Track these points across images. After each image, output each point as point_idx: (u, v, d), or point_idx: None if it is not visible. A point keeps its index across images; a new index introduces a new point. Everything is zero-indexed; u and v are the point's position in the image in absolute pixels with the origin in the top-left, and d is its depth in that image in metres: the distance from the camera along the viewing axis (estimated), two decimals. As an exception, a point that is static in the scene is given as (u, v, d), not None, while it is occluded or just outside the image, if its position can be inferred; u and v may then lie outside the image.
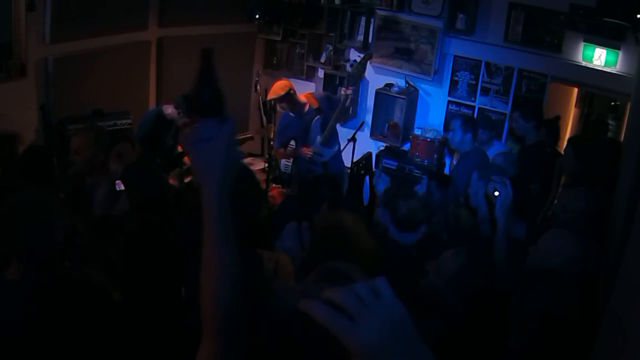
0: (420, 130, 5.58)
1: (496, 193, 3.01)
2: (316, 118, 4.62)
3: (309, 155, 4.64)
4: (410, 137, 5.57)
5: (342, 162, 4.95)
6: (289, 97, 4.50)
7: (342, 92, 4.53)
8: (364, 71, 4.90)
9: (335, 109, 4.51)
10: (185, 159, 4.51)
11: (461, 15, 5.29)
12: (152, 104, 5.28)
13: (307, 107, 4.64)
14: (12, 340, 1.80)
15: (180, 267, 2.07)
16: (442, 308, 2.02)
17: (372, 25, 5.65)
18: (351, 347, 0.70)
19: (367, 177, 5.37)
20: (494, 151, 4.48)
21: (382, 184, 3.31)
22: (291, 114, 4.65)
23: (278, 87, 4.52)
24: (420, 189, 3.47)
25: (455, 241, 2.49)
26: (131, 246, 2.01)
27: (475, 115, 5.37)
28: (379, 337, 0.70)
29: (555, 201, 3.56)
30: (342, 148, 4.88)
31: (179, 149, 4.67)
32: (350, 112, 4.66)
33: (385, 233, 2.91)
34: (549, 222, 2.89)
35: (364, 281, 0.75)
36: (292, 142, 4.75)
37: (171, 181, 3.66)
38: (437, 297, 2.08)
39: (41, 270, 1.91)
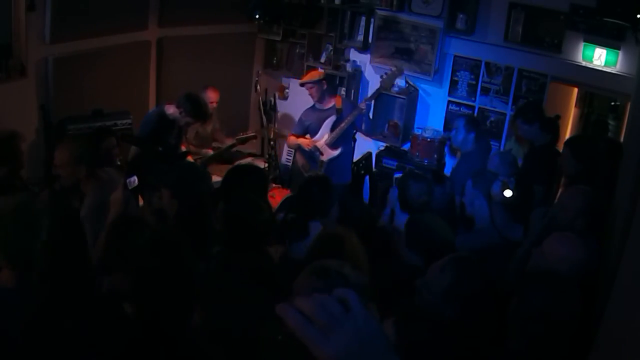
0: (420, 130, 5.58)
1: (507, 193, 3.00)
2: (332, 117, 4.75)
3: (308, 148, 4.73)
4: (410, 137, 5.57)
5: (346, 169, 4.96)
6: (321, 85, 4.79)
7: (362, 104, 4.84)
8: (390, 86, 5.12)
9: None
10: (189, 157, 4.53)
11: (461, 15, 5.29)
12: (152, 104, 5.28)
13: (331, 104, 4.83)
14: (7, 349, 1.78)
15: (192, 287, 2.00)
16: (441, 322, 2.01)
17: (372, 25, 5.65)
18: (320, 356, 0.73)
19: (367, 177, 5.37)
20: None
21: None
22: (316, 105, 4.83)
23: (314, 73, 4.86)
24: None
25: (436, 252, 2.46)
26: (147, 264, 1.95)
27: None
28: (347, 351, 0.73)
29: (556, 201, 3.56)
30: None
31: (183, 148, 4.69)
32: (364, 127, 4.79)
33: (390, 244, 2.94)
34: (548, 221, 2.88)
35: (333, 295, 0.78)
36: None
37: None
38: (434, 312, 2.07)
39: (33, 278, 1.89)
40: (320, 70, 5.14)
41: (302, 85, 4.90)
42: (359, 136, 5.33)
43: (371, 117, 5.13)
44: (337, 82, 5.98)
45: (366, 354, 0.75)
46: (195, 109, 4.27)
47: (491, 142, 4.88)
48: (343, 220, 2.87)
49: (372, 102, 4.93)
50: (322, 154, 4.75)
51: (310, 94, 4.80)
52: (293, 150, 5.01)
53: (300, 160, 4.91)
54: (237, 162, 4.93)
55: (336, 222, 2.91)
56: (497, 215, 3.20)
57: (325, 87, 4.81)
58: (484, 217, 3.16)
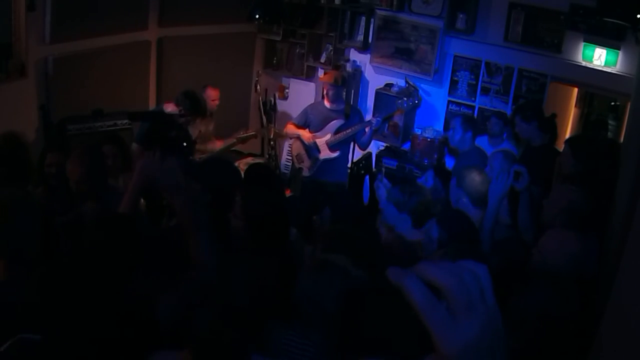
0: (420, 130, 5.58)
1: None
2: (338, 119, 4.77)
3: (308, 141, 4.76)
4: (411, 137, 5.58)
5: (340, 170, 4.93)
6: (341, 90, 4.87)
7: (372, 118, 4.88)
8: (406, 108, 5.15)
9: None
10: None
11: (461, 15, 5.29)
12: (152, 104, 5.29)
13: (340, 107, 4.86)
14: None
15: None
16: None
17: (372, 25, 5.66)
18: (443, 346, 0.58)
19: (367, 177, 5.37)
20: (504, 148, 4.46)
21: (383, 189, 3.30)
22: (326, 104, 4.83)
23: (339, 77, 4.82)
24: (427, 182, 3.48)
25: (457, 240, 2.47)
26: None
27: (475, 115, 5.37)
28: (474, 345, 0.58)
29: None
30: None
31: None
32: (362, 139, 4.81)
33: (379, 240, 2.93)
34: (540, 219, 2.89)
35: (466, 268, 0.61)
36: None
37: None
38: None
39: (27, 269, 1.91)
40: (341, 73, 5.13)
41: (323, 81, 4.93)
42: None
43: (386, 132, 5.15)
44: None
45: (491, 353, 0.59)
46: (194, 105, 4.28)
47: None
48: (335, 218, 2.88)
49: (375, 119, 4.90)
50: (319, 151, 4.79)
51: (326, 94, 4.82)
52: (292, 152, 5.01)
53: (296, 149, 4.93)
54: (237, 162, 4.95)
55: (329, 220, 2.91)
56: (522, 213, 3.14)
57: (343, 89, 4.83)
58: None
